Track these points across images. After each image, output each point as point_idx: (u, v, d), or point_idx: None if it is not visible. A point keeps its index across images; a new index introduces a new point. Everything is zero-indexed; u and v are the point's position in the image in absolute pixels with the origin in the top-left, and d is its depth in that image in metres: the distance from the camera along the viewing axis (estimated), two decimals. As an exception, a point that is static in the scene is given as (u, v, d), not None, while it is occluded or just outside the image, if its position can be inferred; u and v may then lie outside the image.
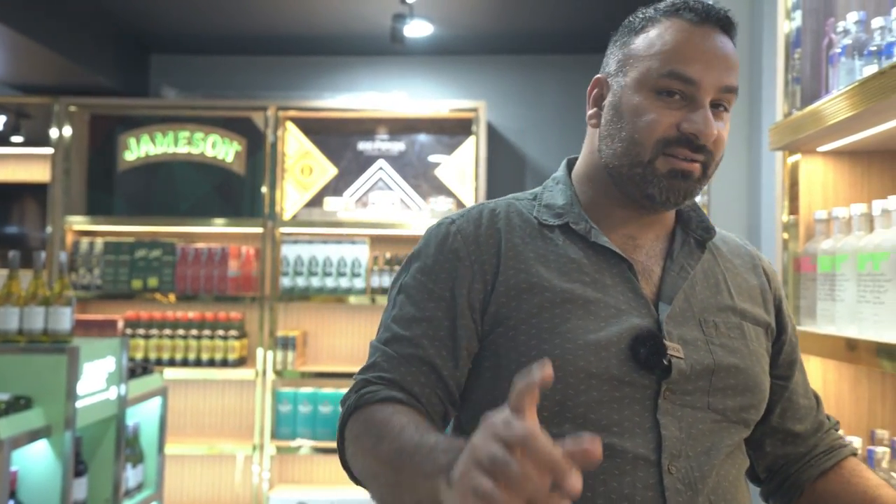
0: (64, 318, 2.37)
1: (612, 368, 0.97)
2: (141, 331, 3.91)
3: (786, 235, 1.78)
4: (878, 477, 1.12)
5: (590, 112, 1.09)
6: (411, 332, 1.01)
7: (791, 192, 1.76)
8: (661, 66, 1.01)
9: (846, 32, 1.51)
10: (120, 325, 3.84)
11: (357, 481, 1.01)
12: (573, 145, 4.85)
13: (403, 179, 4.16)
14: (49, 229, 3.99)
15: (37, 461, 2.25)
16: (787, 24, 1.78)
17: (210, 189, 4.16)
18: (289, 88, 4.34)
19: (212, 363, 3.88)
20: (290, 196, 4.13)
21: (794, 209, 1.76)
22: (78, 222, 4.01)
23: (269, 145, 4.03)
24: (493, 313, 1.01)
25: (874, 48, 1.41)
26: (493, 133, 4.26)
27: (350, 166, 4.19)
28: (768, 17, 2.37)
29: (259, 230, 3.99)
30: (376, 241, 4.09)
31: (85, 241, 4.02)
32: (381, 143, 4.19)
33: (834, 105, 1.46)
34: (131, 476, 2.81)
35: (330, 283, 3.95)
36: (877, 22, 1.42)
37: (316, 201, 4.12)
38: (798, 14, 1.73)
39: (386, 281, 3.93)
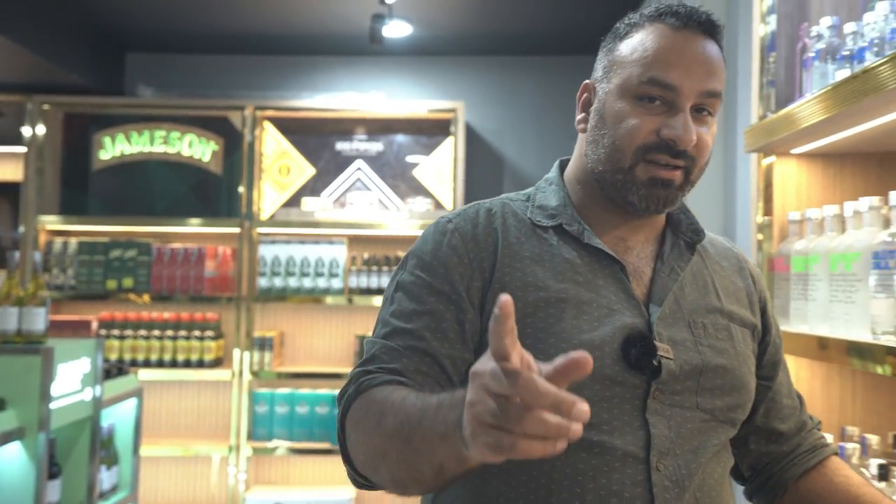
0: (38, 319, 2.34)
1: (604, 368, 0.98)
2: (115, 331, 3.87)
3: (760, 236, 1.80)
4: (859, 476, 1.15)
5: (578, 117, 1.11)
6: (413, 325, 1.01)
7: (765, 193, 1.79)
8: (641, 72, 1.02)
9: (819, 37, 1.53)
10: (94, 325, 3.80)
11: (359, 483, 0.99)
12: (551, 146, 4.88)
13: (381, 180, 4.15)
14: (22, 229, 3.93)
15: (10, 463, 2.22)
16: (762, 28, 1.81)
17: (186, 189, 4.13)
18: (266, 88, 4.32)
19: (187, 364, 3.85)
20: (268, 196, 4.11)
21: (768, 210, 1.78)
22: (51, 222, 3.96)
23: (247, 145, 4.00)
24: (489, 311, 1.02)
25: (847, 53, 1.44)
26: (471, 133, 4.27)
27: (328, 166, 4.18)
28: (744, 21, 2.40)
29: (236, 230, 3.96)
30: (354, 241, 4.09)
31: (58, 241, 3.97)
32: (360, 144, 4.18)
33: (807, 108, 1.48)
34: (106, 478, 2.78)
35: (307, 283, 3.93)
36: (849, 27, 1.45)
37: (294, 201, 4.11)
38: (773, 18, 1.76)
39: (364, 281, 3.92)
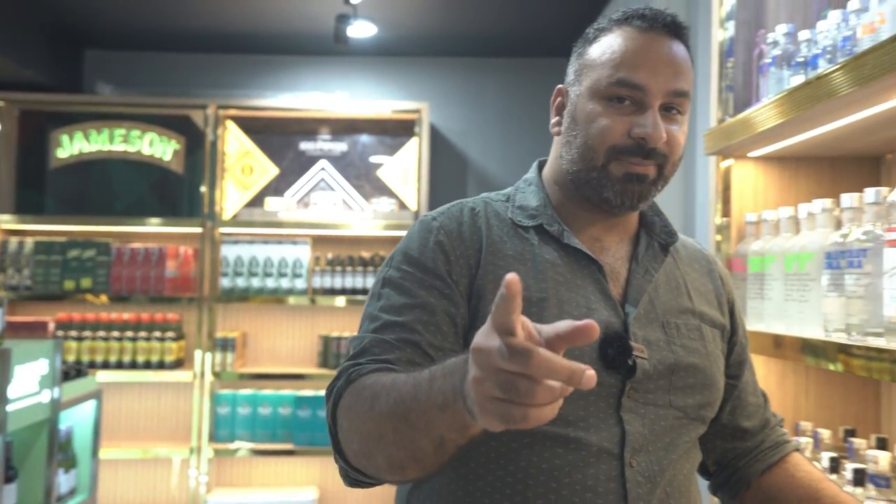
0: (-6, 319, 2.29)
1: None
2: (73, 333, 3.80)
3: (719, 237, 1.85)
4: (819, 472, 1.18)
5: (553, 120, 1.13)
6: (405, 318, 1.01)
7: (724, 195, 1.83)
8: (610, 73, 1.04)
9: (775, 44, 1.58)
10: (51, 326, 3.73)
11: (352, 479, 0.97)
12: (515, 148, 4.91)
13: (346, 180, 4.15)
14: (-25, 228, 3.84)
15: (-36, 467, 2.17)
16: (720, 34, 1.85)
17: (147, 188, 4.08)
18: (229, 87, 4.28)
19: (148, 365, 3.80)
20: (231, 196, 4.07)
21: (726, 212, 1.83)
22: (6, 221, 3.87)
23: (209, 144, 3.96)
24: (473, 306, 1.03)
25: (801, 59, 1.48)
26: (435, 134, 4.29)
27: (292, 166, 4.15)
28: (703, 27, 2.46)
29: (198, 230, 3.92)
30: (318, 241, 4.07)
31: (14, 240, 3.88)
32: (324, 144, 4.17)
33: (764, 113, 1.53)
34: (63, 482, 2.73)
35: (271, 283, 3.91)
36: (804, 34, 1.49)
37: (257, 201, 4.08)
38: (731, 24, 1.81)
39: (328, 282, 3.91)
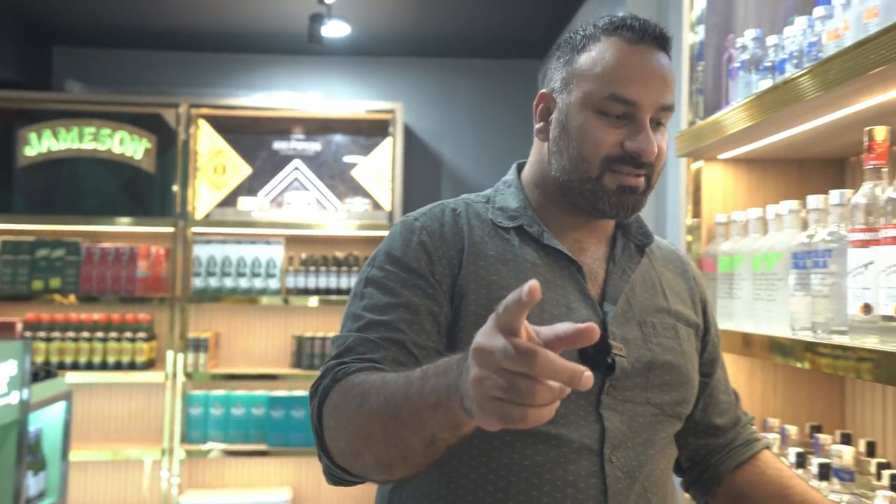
0: (-39, 320, 2.25)
1: None
2: (42, 333, 3.74)
3: (689, 237, 1.88)
4: (789, 469, 1.22)
5: (538, 126, 1.14)
6: (389, 317, 1.02)
7: (694, 196, 1.87)
8: (602, 88, 1.05)
9: (744, 48, 1.61)
10: (19, 327, 3.67)
11: (335, 477, 0.98)
12: (488, 148, 4.93)
13: (319, 180, 4.14)
14: (-59, 227, 3.77)
15: (-69, 470, 2.13)
16: (691, 37, 1.89)
17: (117, 187, 4.03)
18: (202, 85, 4.25)
19: (118, 366, 3.76)
20: (203, 195, 4.04)
21: (696, 213, 1.86)
22: (-27, 220, 3.81)
23: (181, 143, 3.93)
24: (456, 305, 1.05)
25: (769, 64, 1.52)
26: (409, 134, 4.29)
27: (265, 166, 4.13)
28: (674, 30, 2.49)
29: (170, 230, 3.89)
30: (292, 241, 4.06)
31: (-20, 239, 3.82)
32: (297, 143, 4.15)
33: (733, 116, 1.56)
34: (33, 484, 2.70)
35: (244, 283, 3.89)
36: (771, 40, 1.52)
37: (230, 201, 4.05)
38: (701, 28, 1.84)
39: (301, 282, 3.90)
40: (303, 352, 3.87)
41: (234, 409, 3.81)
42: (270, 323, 4.07)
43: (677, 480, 1.26)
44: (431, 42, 4.16)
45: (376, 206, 4.08)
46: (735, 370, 1.76)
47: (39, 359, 3.70)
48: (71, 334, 3.76)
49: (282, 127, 4.15)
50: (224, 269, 3.88)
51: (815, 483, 1.32)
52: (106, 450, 3.75)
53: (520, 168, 1.21)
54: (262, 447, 3.77)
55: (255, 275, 3.89)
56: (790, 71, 1.42)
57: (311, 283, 3.90)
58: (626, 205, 1.08)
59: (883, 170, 1.18)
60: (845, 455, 1.32)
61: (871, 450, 1.50)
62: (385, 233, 3.92)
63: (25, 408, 2.55)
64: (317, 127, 4.16)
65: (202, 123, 4.05)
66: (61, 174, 4.00)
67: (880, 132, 1.19)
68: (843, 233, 1.26)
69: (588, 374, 0.65)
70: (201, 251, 3.88)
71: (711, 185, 1.84)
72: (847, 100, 1.28)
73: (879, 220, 1.13)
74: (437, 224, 1.10)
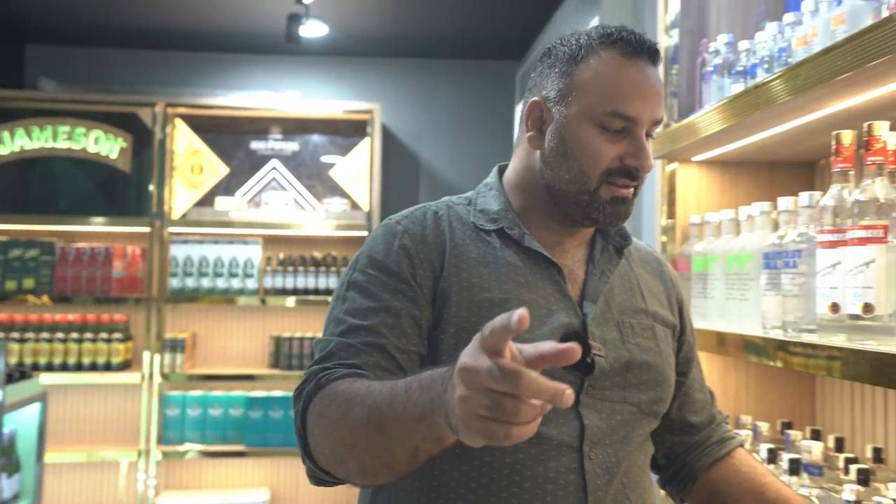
0: (-66, 321, 2.23)
1: None
2: (16, 334, 3.70)
3: (664, 238, 1.91)
4: (763, 467, 1.25)
5: (529, 134, 1.14)
6: (370, 322, 1.03)
7: (669, 197, 1.90)
8: (604, 103, 1.07)
9: (717, 53, 1.64)
10: (-8, 328, 3.63)
11: (318, 478, 0.99)
12: (466, 148, 4.93)
13: (297, 180, 4.13)
14: (-89, 227, 3.72)
15: None
16: (665, 40, 1.92)
17: (92, 187, 3.99)
18: (178, 84, 4.23)
19: (94, 367, 3.72)
20: (180, 195, 4.02)
21: (671, 214, 1.89)
22: (-56, 219, 3.76)
23: (157, 142, 3.91)
24: (438, 308, 1.06)
25: (741, 68, 1.55)
26: (387, 135, 4.30)
27: (242, 166, 4.12)
28: (649, 34, 2.52)
29: (146, 230, 3.86)
30: (269, 241, 4.05)
31: (-48, 239, 3.77)
32: (275, 143, 4.14)
33: (707, 119, 1.59)
34: (6, 486, 2.67)
35: (221, 283, 3.87)
36: (743, 45, 1.56)
37: (207, 200, 4.03)
38: (675, 32, 1.87)
39: (279, 282, 3.89)
40: (281, 352, 3.86)
41: (211, 410, 3.80)
42: (248, 323, 4.06)
43: (654, 477, 1.28)
44: (409, 43, 4.18)
45: (354, 206, 4.08)
46: (709, 368, 1.79)
47: (13, 360, 3.66)
48: (45, 335, 3.72)
49: (259, 127, 4.13)
50: (201, 269, 3.86)
51: (785, 478, 1.35)
52: (81, 452, 3.71)
53: (501, 171, 1.23)
54: (240, 448, 3.76)
55: (232, 275, 3.88)
56: (761, 76, 1.46)
57: (289, 283, 3.89)
58: (619, 214, 1.11)
59: (850, 173, 1.22)
60: (814, 451, 1.35)
61: (839, 445, 1.54)
62: (363, 233, 3.95)
63: (0, 409, 2.53)
64: (294, 127, 4.15)
65: (179, 123, 4.02)
66: (35, 173, 3.96)
67: (847, 136, 1.22)
68: (813, 234, 1.30)
69: (569, 393, 0.68)
70: (178, 251, 3.86)
71: (686, 187, 1.88)
72: (816, 104, 1.31)
73: (846, 222, 1.16)
74: (418, 227, 1.12)
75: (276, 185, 4.12)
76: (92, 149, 3.98)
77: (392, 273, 1.07)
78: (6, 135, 3.94)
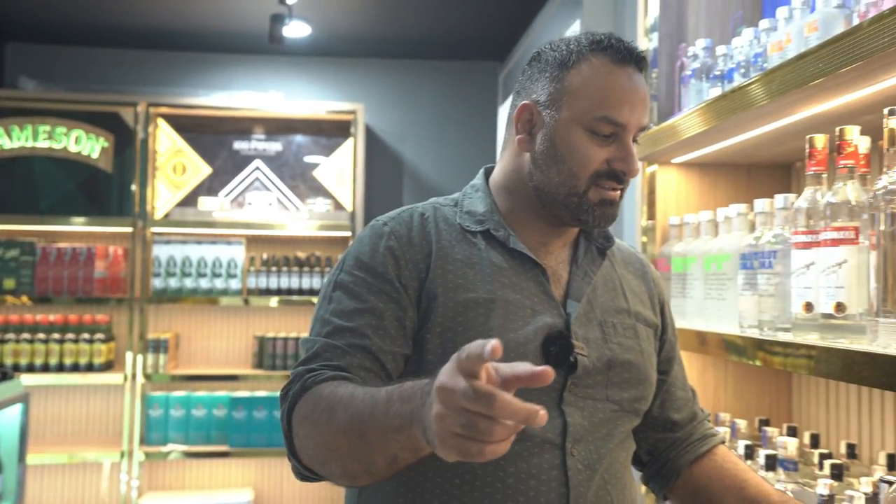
0: (-85, 323, 2.22)
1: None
2: (-4, 335, 3.68)
3: (644, 239, 1.94)
4: (744, 464, 1.28)
5: (519, 136, 1.16)
6: (355, 323, 1.06)
7: (649, 199, 1.93)
8: (594, 109, 1.10)
9: (695, 57, 1.67)
10: (-28, 329, 3.60)
11: (304, 475, 1.02)
12: (450, 149, 4.94)
13: (280, 180, 4.13)
14: None
15: None
16: (645, 44, 1.95)
17: (74, 186, 3.97)
18: (160, 84, 4.21)
19: (76, 368, 3.71)
20: (162, 195, 4.01)
21: (651, 215, 1.92)
22: (-77, 220, 3.73)
23: (139, 142, 3.89)
24: (423, 309, 1.08)
25: (718, 72, 1.58)
26: (371, 135, 4.31)
27: (225, 166, 4.11)
28: (629, 37, 2.55)
29: (128, 230, 3.85)
30: (253, 241, 4.05)
31: (-69, 240, 3.74)
32: (258, 143, 4.14)
33: (686, 122, 1.62)
34: (-11, 489, 2.66)
35: (204, 283, 3.87)
36: (720, 49, 1.59)
37: (189, 200, 4.02)
38: (655, 36, 1.90)
39: (263, 282, 3.89)
40: (264, 352, 3.87)
41: (194, 411, 3.79)
42: (231, 323, 4.05)
43: (637, 474, 1.31)
44: (392, 43, 4.19)
45: (338, 206, 4.09)
46: (688, 367, 1.81)
47: (-7, 361, 3.64)
48: (27, 336, 3.70)
49: (242, 127, 4.13)
50: (184, 269, 3.86)
51: (761, 473, 1.38)
52: (64, 453, 3.70)
53: (487, 172, 1.25)
54: (224, 448, 3.75)
55: (215, 275, 3.87)
56: (738, 80, 1.49)
57: (273, 283, 3.89)
58: (607, 216, 1.14)
59: (823, 176, 1.25)
60: (789, 447, 1.38)
61: (815, 441, 1.58)
62: (347, 233, 3.96)
63: (-19, 411, 2.52)
64: (278, 127, 4.15)
65: (161, 122, 4.01)
66: (15, 173, 3.93)
67: (820, 140, 1.25)
68: (788, 235, 1.33)
69: (542, 413, 0.71)
70: (161, 251, 3.85)
71: (665, 189, 1.91)
72: (790, 108, 1.34)
73: (819, 224, 1.19)
74: (405, 229, 1.14)
75: (259, 185, 4.12)
76: (73, 148, 3.96)
77: (377, 274, 1.09)
78: (-14, 134, 3.91)
